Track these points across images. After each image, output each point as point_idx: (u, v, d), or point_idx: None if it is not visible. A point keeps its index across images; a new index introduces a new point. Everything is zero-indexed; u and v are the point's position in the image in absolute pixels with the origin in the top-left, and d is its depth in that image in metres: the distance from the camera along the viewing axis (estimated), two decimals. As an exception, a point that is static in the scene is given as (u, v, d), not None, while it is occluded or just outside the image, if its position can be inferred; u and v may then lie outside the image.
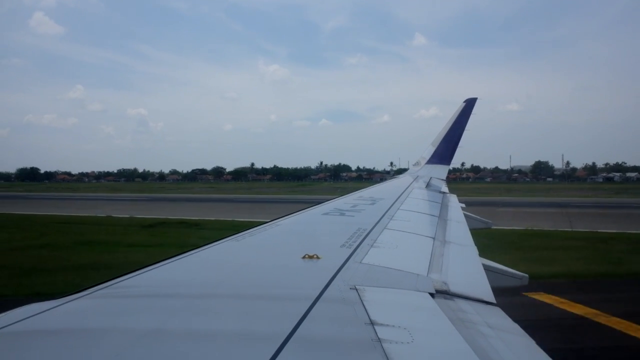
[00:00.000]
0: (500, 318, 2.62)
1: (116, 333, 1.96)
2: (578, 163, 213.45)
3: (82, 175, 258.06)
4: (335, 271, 2.94)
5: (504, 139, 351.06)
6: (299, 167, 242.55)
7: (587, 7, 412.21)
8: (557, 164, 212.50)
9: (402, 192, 8.70)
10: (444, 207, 7.77)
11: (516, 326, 2.50)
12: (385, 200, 7.54)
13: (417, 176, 13.13)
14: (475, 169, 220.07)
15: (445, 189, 10.93)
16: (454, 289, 2.97)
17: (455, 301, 2.74)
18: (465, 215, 8.25)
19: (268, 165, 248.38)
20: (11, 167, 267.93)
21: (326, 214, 5.93)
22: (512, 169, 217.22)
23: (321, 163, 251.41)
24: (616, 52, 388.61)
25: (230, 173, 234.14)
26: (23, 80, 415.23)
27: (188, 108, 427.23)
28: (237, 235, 4.19)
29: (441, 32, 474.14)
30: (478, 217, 9.25)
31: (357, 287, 2.64)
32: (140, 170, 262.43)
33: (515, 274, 4.60)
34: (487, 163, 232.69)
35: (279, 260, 3.48)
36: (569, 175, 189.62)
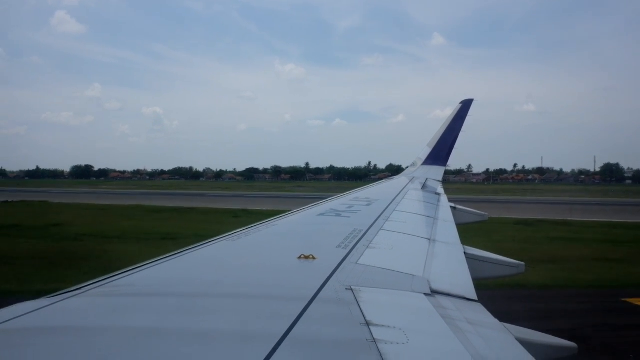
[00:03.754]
0: (485, 316, 2.61)
1: (110, 332, 1.97)
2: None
3: (136, 173, 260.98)
4: (331, 272, 2.94)
5: (523, 140, 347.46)
6: (347, 166, 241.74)
7: (605, 6, 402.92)
8: (589, 167, 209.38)
9: (398, 194, 8.60)
10: (439, 208, 7.69)
11: (496, 322, 2.51)
12: (381, 201, 7.45)
13: (413, 177, 12.85)
14: (539, 171, 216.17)
15: (440, 190, 10.64)
16: (449, 289, 2.95)
17: (449, 301, 2.72)
18: (462, 210, 8.66)
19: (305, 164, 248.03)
20: (19, 166, 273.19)
21: (322, 214, 5.92)
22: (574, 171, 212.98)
23: (369, 163, 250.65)
24: (635, 52, 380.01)
25: (287, 172, 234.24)
26: (41, 78, 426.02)
27: (203, 107, 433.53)
28: (232, 234, 4.19)
29: (456, 32, 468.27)
30: (474, 210, 9.42)
31: (352, 287, 2.64)
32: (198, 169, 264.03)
33: (512, 262, 4.63)
34: (507, 165, 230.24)
35: (274, 260, 3.49)
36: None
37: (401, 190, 9.32)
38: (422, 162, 14.70)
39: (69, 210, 47.76)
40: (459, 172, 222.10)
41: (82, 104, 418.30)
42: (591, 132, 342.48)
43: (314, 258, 3.26)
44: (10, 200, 60.09)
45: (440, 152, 14.44)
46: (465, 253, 4.28)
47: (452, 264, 3.85)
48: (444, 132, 14.50)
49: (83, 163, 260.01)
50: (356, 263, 3.26)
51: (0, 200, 59.64)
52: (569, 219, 39.94)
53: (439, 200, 8.75)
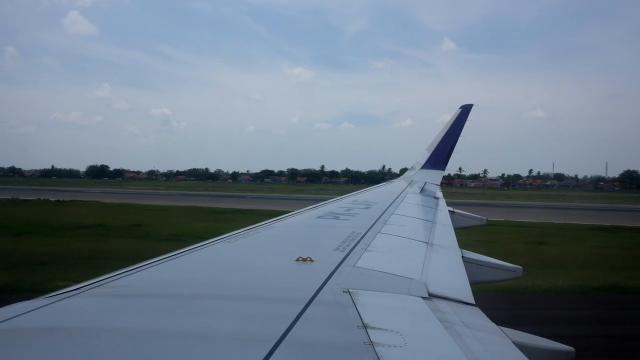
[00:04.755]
0: (482, 320, 2.61)
1: (107, 333, 1.96)
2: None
3: (151, 173, 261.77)
4: (328, 274, 2.93)
5: (532, 145, 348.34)
6: (361, 169, 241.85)
7: (614, 13, 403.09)
8: (600, 172, 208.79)
9: (397, 197, 8.62)
10: (438, 212, 7.67)
11: (493, 325, 2.51)
12: (380, 204, 7.45)
13: (412, 181, 12.90)
14: (558, 177, 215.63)
15: (439, 194, 10.70)
16: (446, 293, 2.94)
17: (447, 305, 2.72)
18: (460, 214, 8.73)
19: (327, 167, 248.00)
20: (37, 164, 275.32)
21: (320, 217, 5.92)
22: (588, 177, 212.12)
23: (384, 167, 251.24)
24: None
25: (303, 175, 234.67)
26: (52, 78, 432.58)
27: (211, 108, 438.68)
28: (230, 236, 4.18)
29: (464, 37, 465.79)
30: (472, 214, 9.46)
31: (350, 290, 2.63)
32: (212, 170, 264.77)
33: (510, 267, 4.61)
34: (519, 170, 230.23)
35: (272, 262, 3.47)
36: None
37: (400, 194, 9.31)
38: (421, 165, 14.73)
39: (130, 210, 48.05)
40: (474, 177, 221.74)
41: (91, 103, 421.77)
42: (601, 138, 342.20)
43: (311, 260, 3.24)
44: (62, 199, 60.48)
45: (439, 156, 14.43)
46: (462, 257, 4.27)
47: (450, 268, 3.84)
48: (443, 136, 14.48)
49: (90, 162, 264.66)
50: (354, 266, 3.25)
51: (41, 198, 59.95)
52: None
53: (437, 204, 8.75)
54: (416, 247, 4.43)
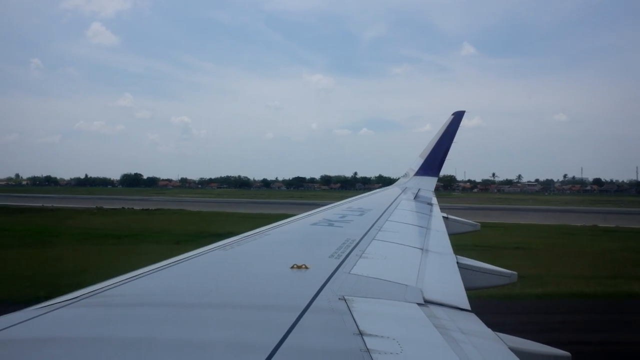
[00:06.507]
0: (478, 325, 2.60)
1: (101, 343, 1.96)
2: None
3: (184, 181, 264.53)
4: (324, 281, 2.92)
5: (556, 149, 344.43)
6: (393, 176, 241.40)
7: (634, 15, 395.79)
8: (630, 176, 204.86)
9: (391, 204, 8.57)
10: (432, 218, 7.62)
11: (489, 331, 2.51)
12: (374, 211, 7.43)
13: (406, 187, 12.82)
14: (597, 181, 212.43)
15: (434, 200, 10.60)
16: (442, 299, 2.94)
17: (443, 311, 2.71)
18: (454, 220, 8.69)
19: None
20: (68, 174, 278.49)
21: (315, 224, 5.90)
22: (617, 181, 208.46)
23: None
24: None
25: (336, 182, 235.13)
26: (76, 88, 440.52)
27: (231, 116, 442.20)
28: (225, 244, 4.18)
29: (482, 41, 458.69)
30: (466, 220, 9.44)
31: (345, 297, 2.62)
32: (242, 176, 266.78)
33: (505, 272, 4.61)
34: (552, 174, 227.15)
35: (267, 269, 3.46)
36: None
37: (394, 201, 9.29)
38: (414, 172, 14.73)
39: (231, 218, 48.48)
40: (508, 182, 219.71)
41: (114, 112, 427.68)
42: (628, 141, 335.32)
43: (306, 268, 3.24)
44: (148, 208, 61.65)
45: (433, 163, 14.50)
46: (457, 263, 4.25)
47: (445, 274, 3.82)
48: (436, 143, 14.51)
49: (113, 170, 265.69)
50: (349, 273, 3.24)
51: (125, 207, 60.88)
52: None
53: (431, 211, 8.72)
54: (411, 253, 4.42)
